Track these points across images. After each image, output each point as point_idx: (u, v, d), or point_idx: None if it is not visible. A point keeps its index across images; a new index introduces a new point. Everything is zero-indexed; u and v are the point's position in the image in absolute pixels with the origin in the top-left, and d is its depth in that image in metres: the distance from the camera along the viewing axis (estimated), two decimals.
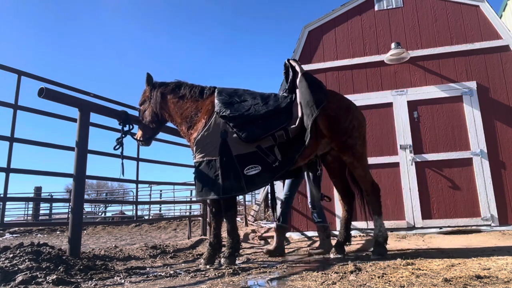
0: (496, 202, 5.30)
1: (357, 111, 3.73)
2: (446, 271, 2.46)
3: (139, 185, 5.83)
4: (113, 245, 5.62)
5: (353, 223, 4.13)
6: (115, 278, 2.89)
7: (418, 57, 6.02)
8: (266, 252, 4.17)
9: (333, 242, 4.17)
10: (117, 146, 4.01)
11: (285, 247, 5.00)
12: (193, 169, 3.53)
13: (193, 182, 3.61)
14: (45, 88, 3.55)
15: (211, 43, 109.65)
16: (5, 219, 5.71)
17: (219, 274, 2.86)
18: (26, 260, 2.99)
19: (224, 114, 3.33)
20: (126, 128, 4.09)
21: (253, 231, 6.64)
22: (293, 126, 3.30)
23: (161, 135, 5.48)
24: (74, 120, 4.02)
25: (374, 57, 6.18)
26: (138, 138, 4.07)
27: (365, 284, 2.23)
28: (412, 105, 5.87)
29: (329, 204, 5.85)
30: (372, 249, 3.61)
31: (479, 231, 5.18)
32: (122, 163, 3.83)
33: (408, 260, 2.94)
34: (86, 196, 7.19)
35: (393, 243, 4.56)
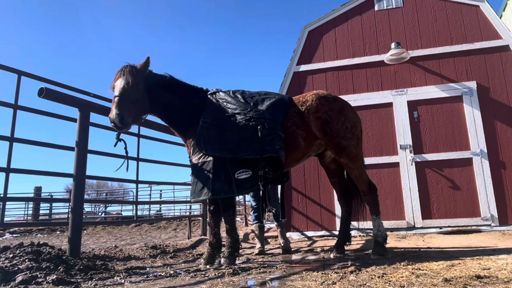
0: (496, 202, 5.30)
1: (350, 112, 3.74)
2: (446, 271, 2.46)
3: (139, 185, 5.83)
4: (113, 245, 5.63)
5: (352, 223, 4.13)
6: (115, 278, 2.89)
7: (418, 57, 6.02)
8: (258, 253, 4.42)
9: (333, 242, 4.17)
10: (116, 142, 3.80)
11: None
12: None
13: None
14: (45, 88, 3.56)
15: (212, 42, 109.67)
16: (5, 219, 5.71)
17: (219, 274, 2.86)
18: (26, 260, 2.99)
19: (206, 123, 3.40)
20: None
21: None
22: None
23: (161, 135, 5.51)
24: (74, 120, 4.02)
25: (374, 57, 6.18)
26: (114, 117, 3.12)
27: (365, 284, 2.23)
28: (412, 105, 5.87)
29: (329, 204, 5.86)
30: (372, 249, 3.62)
31: (479, 231, 5.18)
32: (127, 157, 3.71)
33: (408, 260, 2.94)
34: (86, 196, 7.19)
35: (393, 243, 4.56)
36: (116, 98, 3.16)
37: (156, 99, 3.48)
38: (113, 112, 3.10)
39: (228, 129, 3.35)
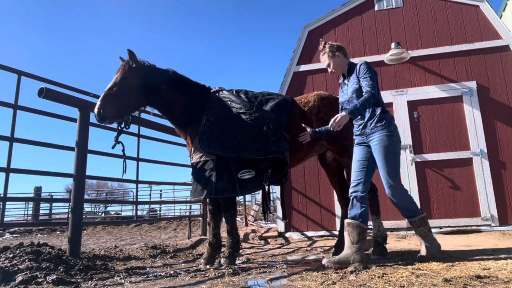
0: (496, 202, 5.30)
1: None
2: (446, 271, 2.46)
3: (139, 185, 5.83)
4: (113, 245, 5.63)
5: None
6: (115, 278, 2.89)
7: (418, 57, 6.02)
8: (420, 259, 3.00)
9: (333, 242, 4.16)
10: (115, 144, 3.83)
11: (285, 247, 5.01)
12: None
13: None
14: (45, 88, 3.55)
15: (213, 41, 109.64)
16: (5, 219, 5.71)
17: (219, 274, 2.86)
18: (26, 260, 2.99)
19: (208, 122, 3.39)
20: (122, 125, 3.95)
21: (253, 231, 6.64)
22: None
23: (161, 135, 5.51)
24: (74, 120, 4.02)
25: (374, 57, 6.18)
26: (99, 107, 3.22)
27: (365, 284, 2.23)
28: (412, 105, 5.87)
29: (329, 204, 5.86)
30: (372, 249, 3.62)
31: (479, 231, 5.18)
32: (125, 161, 3.72)
33: (408, 260, 2.94)
34: (86, 196, 7.19)
35: (393, 243, 4.56)
36: (103, 93, 3.31)
37: (156, 93, 3.46)
38: (95, 106, 3.27)
39: (232, 128, 3.33)
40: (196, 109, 3.51)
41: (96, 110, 3.24)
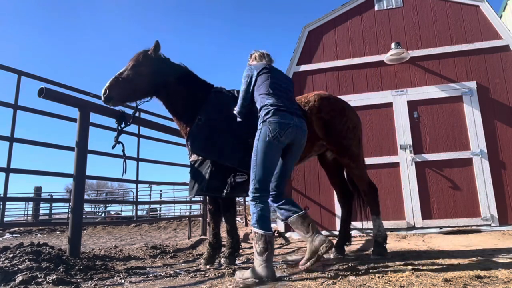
0: (496, 202, 5.30)
1: (351, 112, 3.75)
2: (446, 271, 2.46)
3: (139, 185, 5.83)
4: (113, 245, 5.63)
5: (355, 223, 4.13)
6: (115, 278, 2.89)
7: (418, 57, 6.02)
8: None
9: (333, 242, 4.15)
10: (115, 145, 3.84)
11: (285, 247, 5.01)
12: None
13: None
14: (45, 88, 3.55)
15: (213, 40, 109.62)
16: (5, 219, 5.71)
17: (219, 274, 2.86)
18: (26, 260, 3.00)
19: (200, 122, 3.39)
20: (122, 125, 3.85)
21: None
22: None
23: (161, 135, 5.51)
24: (74, 120, 4.02)
25: (374, 57, 6.18)
26: (106, 89, 3.24)
27: (365, 284, 2.23)
28: (412, 105, 5.87)
29: (329, 204, 5.86)
30: (372, 249, 3.62)
31: (479, 231, 5.18)
32: (125, 161, 3.73)
33: (408, 260, 2.94)
34: (86, 196, 7.19)
35: (393, 243, 4.56)
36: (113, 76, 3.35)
37: (164, 86, 3.47)
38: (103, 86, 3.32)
39: (219, 129, 3.33)
40: (198, 108, 3.50)
41: (102, 90, 3.26)
